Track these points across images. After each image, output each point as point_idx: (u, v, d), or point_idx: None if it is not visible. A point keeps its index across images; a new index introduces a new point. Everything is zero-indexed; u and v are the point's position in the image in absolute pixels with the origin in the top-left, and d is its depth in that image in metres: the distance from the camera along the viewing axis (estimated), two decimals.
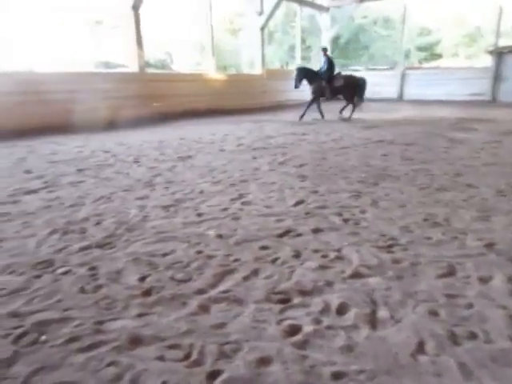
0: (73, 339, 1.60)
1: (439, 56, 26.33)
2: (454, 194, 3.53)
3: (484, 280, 2.02)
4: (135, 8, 9.13)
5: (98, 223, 2.91)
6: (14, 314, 1.77)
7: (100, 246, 2.51)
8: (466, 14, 24.12)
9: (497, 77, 14.33)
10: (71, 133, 7.51)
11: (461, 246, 2.44)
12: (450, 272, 2.11)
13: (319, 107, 10.06)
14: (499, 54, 14.23)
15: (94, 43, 23.12)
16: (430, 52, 26.22)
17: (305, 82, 10.01)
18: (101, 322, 1.71)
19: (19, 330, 1.65)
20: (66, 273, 2.15)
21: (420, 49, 25.96)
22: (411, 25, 20.35)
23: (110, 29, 22.88)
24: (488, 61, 14.96)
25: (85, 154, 5.61)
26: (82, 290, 1.97)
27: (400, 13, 16.62)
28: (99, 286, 2.01)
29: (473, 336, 1.59)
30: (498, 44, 14.45)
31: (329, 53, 10.50)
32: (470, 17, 24.30)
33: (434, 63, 25.11)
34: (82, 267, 2.21)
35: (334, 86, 9.76)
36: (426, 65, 25.11)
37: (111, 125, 8.34)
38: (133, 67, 9.73)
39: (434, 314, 1.74)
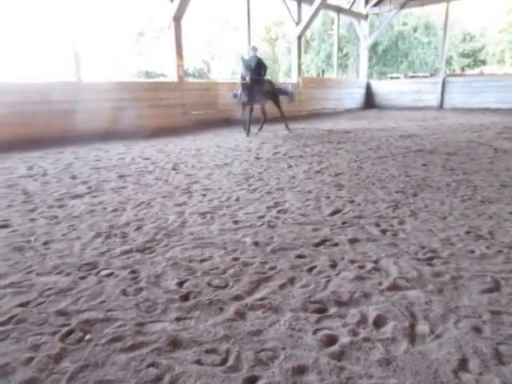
0: (115, 339, 1.66)
1: (483, 62, 25.40)
2: (500, 207, 3.39)
3: None
4: (176, 19, 9.42)
5: (138, 228, 3.01)
6: (62, 313, 1.86)
7: (140, 250, 2.60)
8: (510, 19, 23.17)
9: None
10: (114, 140, 7.83)
11: (506, 261, 2.34)
12: (495, 287, 2.03)
13: (247, 119, 8.63)
14: None
15: (137, 54, 24.04)
16: (474, 58, 25.35)
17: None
18: (141, 324, 1.77)
19: (66, 328, 1.74)
20: (109, 275, 2.24)
21: (463, 55, 25.16)
22: (454, 31, 19.80)
23: (153, 39, 23.74)
24: None
25: (126, 160, 5.83)
26: (124, 292, 2.05)
27: (442, 19, 16.20)
28: (140, 289, 2.08)
29: None
30: None
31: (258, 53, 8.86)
32: None
33: (477, 70, 24.22)
34: (123, 270, 2.30)
35: (264, 90, 8.61)
36: (469, 71, 24.27)
37: (151, 132, 8.62)
38: (172, 76, 10.04)
39: (477, 330, 1.68)
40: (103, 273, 2.27)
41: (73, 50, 8.33)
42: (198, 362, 1.53)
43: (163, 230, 2.96)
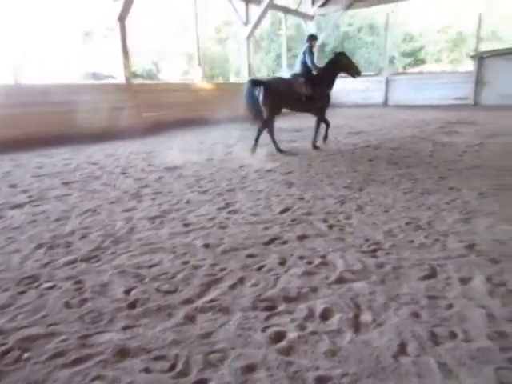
0: (57, 355, 1.59)
1: (423, 61, 26.77)
2: (438, 197, 3.60)
3: (464, 281, 2.07)
4: (121, 19, 9.18)
5: (84, 237, 2.90)
6: None
7: (86, 259, 2.50)
8: (448, 20, 24.63)
9: (478, 81, 14.59)
10: (59, 145, 7.48)
11: (442, 248, 2.49)
12: (432, 274, 2.16)
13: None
14: (480, 58, 14.51)
15: (83, 54, 23.10)
16: (414, 58, 26.65)
17: None
18: (86, 336, 1.71)
19: (2, 348, 1.64)
20: (51, 288, 2.14)
21: (404, 55, 26.38)
22: (395, 32, 20.71)
23: (99, 40, 22.91)
24: (470, 65, 15.27)
25: (71, 166, 5.59)
26: (67, 305, 1.97)
27: (384, 20, 16.91)
28: (85, 300, 2.01)
29: (453, 335, 1.63)
30: (479, 49, 14.74)
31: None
32: (451, 23, 24.81)
33: (418, 69, 25.52)
34: (67, 281, 2.21)
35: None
36: (410, 70, 25.50)
37: (100, 136, 8.32)
38: (120, 78, 9.75)
39: (415, 315, 1.78)
40: (45, 285, 2.17)
41: (11, 51, 7.87)
42: (146, 370, 1.51)
43: (110, 237, 2.87)
